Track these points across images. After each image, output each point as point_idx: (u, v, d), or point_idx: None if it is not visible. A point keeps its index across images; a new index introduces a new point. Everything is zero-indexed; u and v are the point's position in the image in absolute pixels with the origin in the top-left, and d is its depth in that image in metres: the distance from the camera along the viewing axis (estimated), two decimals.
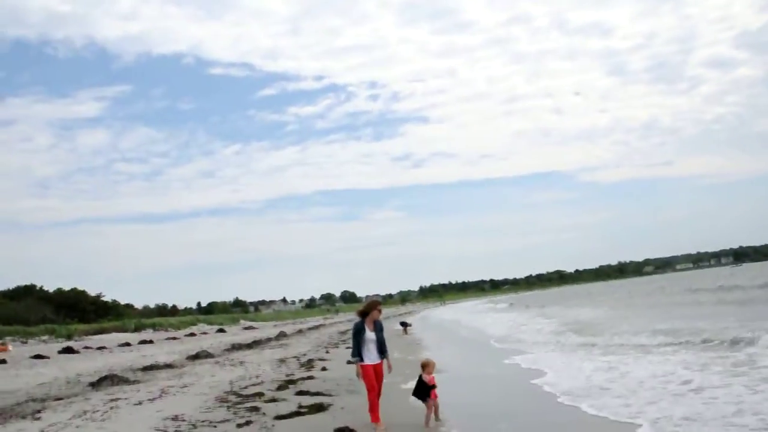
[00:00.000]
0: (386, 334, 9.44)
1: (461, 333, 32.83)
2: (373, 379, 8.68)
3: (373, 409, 8.69)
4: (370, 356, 8.74)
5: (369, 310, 9.01)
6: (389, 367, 8.96)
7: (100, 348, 34.94)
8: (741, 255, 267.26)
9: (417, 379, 9.25)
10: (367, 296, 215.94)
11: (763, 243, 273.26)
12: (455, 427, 8.75)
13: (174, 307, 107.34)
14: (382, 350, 8.85)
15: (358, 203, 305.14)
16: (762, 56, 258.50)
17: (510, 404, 10.60)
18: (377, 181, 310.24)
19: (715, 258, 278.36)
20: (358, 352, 8.76)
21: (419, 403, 9.19)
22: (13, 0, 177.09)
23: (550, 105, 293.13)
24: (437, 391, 9.04)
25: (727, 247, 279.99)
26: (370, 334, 8.83)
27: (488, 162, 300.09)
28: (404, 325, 36.48)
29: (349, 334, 37.71)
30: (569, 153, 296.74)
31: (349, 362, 18.61)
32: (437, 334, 34.16)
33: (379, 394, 8.82)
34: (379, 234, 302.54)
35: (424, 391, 8.99)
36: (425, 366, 9.11)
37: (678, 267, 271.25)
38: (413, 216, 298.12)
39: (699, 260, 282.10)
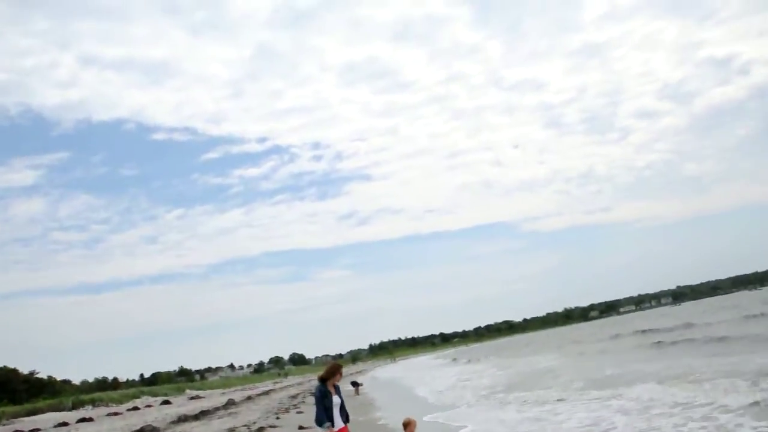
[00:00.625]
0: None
1: (408, 391, 32.66)
2: None
3: None
4: (336, 421, 8.61)
5: (332, 373, 8.85)
6: None
7: (33, 430, 32.96)
8: (680, 294, 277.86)
9: None
10: (317, 357, 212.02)
11: (699, 281, 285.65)
12: None
13: (115, 379, 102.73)
14: (346, 415, 8.79)
15: (305, 263, 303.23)
16: (683, 107, 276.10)
17: None
18: (323, 240, 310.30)
19: (656, 299, 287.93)
20: (328, 417, 8.56)
21: None
22: None
23: (491, 158, 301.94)
24: None
25: (666, 288, 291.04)
26: (336, 399, 8.70)
27: (433, 216, 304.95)
28: (355, 384, 35.96)
29: (301, 398, 37.11)
30: (511, 204, 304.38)
31: (301, 428, 18.32)
32: (388, 393, 33.85)
33: None
34: (327, 293, 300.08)
35: None
36: (406, 425, 9.05)
37: (621, 310, 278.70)
38: (360, 273, 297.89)
39: (641, 302, 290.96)
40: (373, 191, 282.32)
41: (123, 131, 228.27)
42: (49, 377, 72.58)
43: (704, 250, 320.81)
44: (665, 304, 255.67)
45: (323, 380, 8.79)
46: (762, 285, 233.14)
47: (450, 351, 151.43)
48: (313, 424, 20.16)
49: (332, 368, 8.91)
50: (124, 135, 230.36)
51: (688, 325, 44.64)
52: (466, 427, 13.61)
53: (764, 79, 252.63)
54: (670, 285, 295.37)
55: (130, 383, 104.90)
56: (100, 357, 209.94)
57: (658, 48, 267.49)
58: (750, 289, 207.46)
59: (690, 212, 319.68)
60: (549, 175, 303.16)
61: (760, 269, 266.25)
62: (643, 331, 48.97)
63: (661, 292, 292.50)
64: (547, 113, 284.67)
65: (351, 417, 9.00)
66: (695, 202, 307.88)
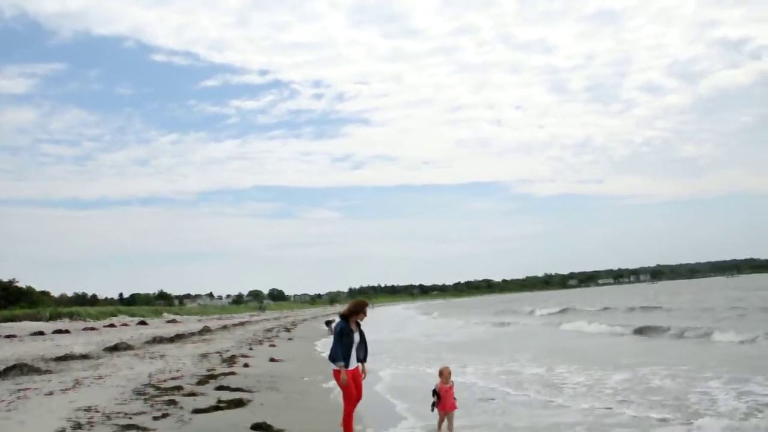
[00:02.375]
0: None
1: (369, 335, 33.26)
2: (353, 387, 8.04)
3: (348, 420, 8.08)
4: (351, 361, 8.04)
5: (356, 310, 8.17)
6: (364, 372, 8.30)
7: (9, 336, 33.33)
8: (658, 273, 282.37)
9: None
10: (295, 295, 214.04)
11: (679, 263, 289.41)
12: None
13: (94, 296, 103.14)
14: (365, 354, 8.26)
15: (294, 201, 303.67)
16: (690, 86, 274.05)
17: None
18: (315, 180, 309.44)
19: (635, 275, 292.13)
20: (344, 356, 7.95)
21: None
22: None
23: (492, 116, 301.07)
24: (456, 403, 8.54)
25: (646, 265, 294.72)
26: (356, 337, 8.12)
27: (428, 168, 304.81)
28: (329, 324, 36.65)
29: (275, 333, 37.58)
30: (507, 165, 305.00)
31: (272, 360, 18.59)
32: None
33: (358, 401, 8.18)
34: (314, 233, 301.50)
35: (436, 399, 8.43)
36: (440, 373, 8.54)
37: (600, 282, 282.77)
38: (349, 217, 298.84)
39: (620, 276, 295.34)
40: (370, 136, 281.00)
41: (122, 48, 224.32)
42: (28, 287, 72.89)
43: (688, 232, 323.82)
44: (643, 281, 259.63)
45: (345, 317, 8.16)
46: (740, 272, 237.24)
47: (421, 303, 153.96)
48: (283, 356, 20.53)
49: (356, 305, 8.25)
50: (122, 52, 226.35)
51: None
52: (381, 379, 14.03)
53: None
54: (650, 262, 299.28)
55: (108, 301, 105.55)
56: (80, 272, 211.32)
57: (674, 23, 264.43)
58: (727, 276, 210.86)
59: (681, 194, 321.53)
60: (547, 139, 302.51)
61: (739, 257, 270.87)
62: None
63: (640, 268, 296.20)
64: (552, 77, 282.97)
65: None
66: (687, 185, 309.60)
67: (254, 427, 8.30)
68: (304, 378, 14.41)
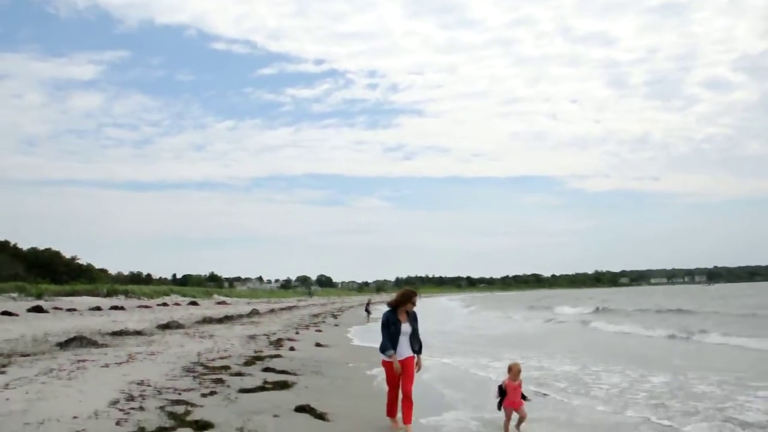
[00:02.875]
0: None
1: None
2: (396, 376, 7.79)
3: (391, 407, 8.04)
4: (400, 351, 7.79)
5: (403, 300, 7.92)
6: (419, 364, 7.98)
7: (70, 309, 34.79)
8: (715, 275, 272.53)
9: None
10: (343, 282, 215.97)
11: (736, 265, 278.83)
12: None
13: (149, 275, 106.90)
14: (419, 345, 7.97)
15: (345, 189, 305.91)
16: (758, 81, 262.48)
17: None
18: (367, 169, 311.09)
19: (689, 275, 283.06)
20: (393, 345, 7.75)
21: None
22: None
23: (547, 110, 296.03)
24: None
25: (702, 266, 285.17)
26: (405, 327, 7.85)
27: (480, 160, 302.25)
28: (368, 311, 37.70)
29: (322, 318, 38.01)
30: (561, 159, 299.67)
31: (318, 345, 18.84)
32: None
33: (410, 392, 7.75)
34: (363, 221, 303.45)
35: (501, 396, 8.14)
36: (509, 369, 8.23)
37: (652, 281, 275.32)
38: (399, 207, 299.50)
39: (673, 276, 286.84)
40: (423, 127, 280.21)
41: (184, 37, 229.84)
42: (88, 264, 76.10)
43: (749, 233, 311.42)
44: (699, 282, 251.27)
45: (393, 307, 7.95)
46: None
47: (467, 296, 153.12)
48: (329, 342, 20.75)
49: (404, 294, 7.98)
50: (184, 40, 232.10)
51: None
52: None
53: None
54: (707, 263, 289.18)
55: (162, 281, 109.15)
56: (137, 252, 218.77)
57: (744, 15, 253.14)
58: None
59: (742, 193, 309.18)
60: (603, 134, 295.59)
61: None
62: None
63: (696, 269, 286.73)
64: (611, 71, 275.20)
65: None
66: (749, 184, 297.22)
67: (298, 409, 8.44)
68: (348, 364, 14.57)
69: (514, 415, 8.09)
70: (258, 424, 7.46)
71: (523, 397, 8.13)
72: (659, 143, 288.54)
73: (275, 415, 8.01)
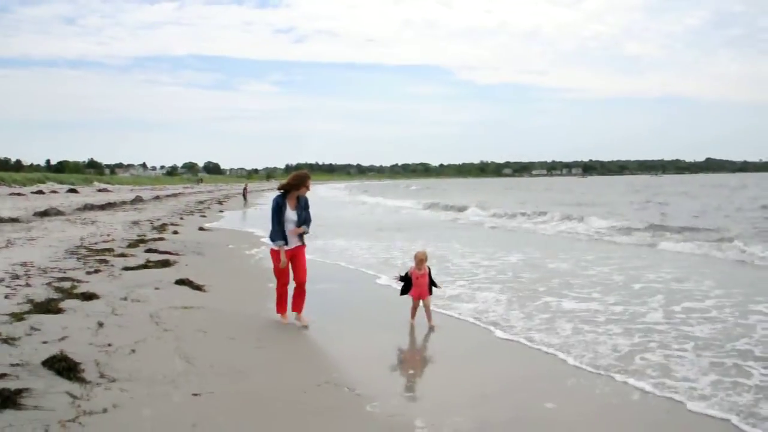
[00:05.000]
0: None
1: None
2: (286, 268, 7.42)
3: (280, 301, 7.65)
4: (290, 239, 7.37)
5: (296, 184, 7.37)
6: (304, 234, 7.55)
7: None
8: (589, 168, 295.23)
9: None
10: (231, 169, 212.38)
11: (610, 159, 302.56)
12: None
13: (18, 162, 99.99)
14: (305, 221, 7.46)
15: (233, 72, 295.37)
16: None
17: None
18: (256, 52, 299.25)
19: (567, 168, 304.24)
20: (282, 236, 7.31)
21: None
22: None
23: None
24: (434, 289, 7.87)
25: (579, 159, 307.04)
26: (290, 213, 7.33)
27: (372, 47, 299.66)
28: (245, 193, 45.09)
29: (207, 204, 38.21)
30: (452, 49, 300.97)
31: (201, 229, 19.57)
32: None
33: (304, 282, 7.49)
34: (252, 107, 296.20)
35: (406, 286, 7.80)
36: (415, 258, 7.77)
37: (534, 172, 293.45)
38: (289, 92, 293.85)
39: (553, 168, 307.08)
40: (315, 9, 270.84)
41: None
42: None
43: (622, 130, 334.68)
44: (575, 174, 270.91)
45: (284, 191, 7.39)
46: (664, 172, 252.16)
47: (356, 183, 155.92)
48: (212, 226, 21.57)
49: (297, 177, 7.44)
50: None
51: None
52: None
53: None
54: (583, 157, 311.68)
55: (34, 167, 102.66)
56: (2, 136, 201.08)
57: None
58: (652, 175, 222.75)
59: (620, 91, 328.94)
60: (495, 26, 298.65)
61: (667, 158, 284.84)
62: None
63: (573, 162, 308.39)
64: None
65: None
66: (626, 82, 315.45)
67: (178, 282, 9.48)
68: (229, 245, 15.64)
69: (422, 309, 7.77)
70: (141, 295, 8.45)
71: (434, 284, 7.84)
72: (548, 38, 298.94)
73: (156, 288, 9.01)
